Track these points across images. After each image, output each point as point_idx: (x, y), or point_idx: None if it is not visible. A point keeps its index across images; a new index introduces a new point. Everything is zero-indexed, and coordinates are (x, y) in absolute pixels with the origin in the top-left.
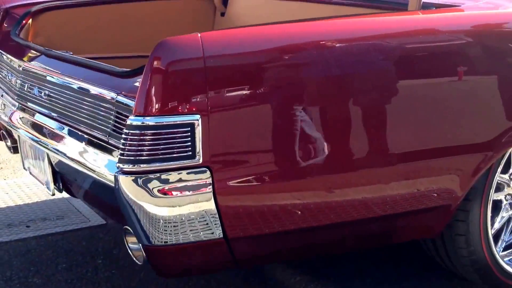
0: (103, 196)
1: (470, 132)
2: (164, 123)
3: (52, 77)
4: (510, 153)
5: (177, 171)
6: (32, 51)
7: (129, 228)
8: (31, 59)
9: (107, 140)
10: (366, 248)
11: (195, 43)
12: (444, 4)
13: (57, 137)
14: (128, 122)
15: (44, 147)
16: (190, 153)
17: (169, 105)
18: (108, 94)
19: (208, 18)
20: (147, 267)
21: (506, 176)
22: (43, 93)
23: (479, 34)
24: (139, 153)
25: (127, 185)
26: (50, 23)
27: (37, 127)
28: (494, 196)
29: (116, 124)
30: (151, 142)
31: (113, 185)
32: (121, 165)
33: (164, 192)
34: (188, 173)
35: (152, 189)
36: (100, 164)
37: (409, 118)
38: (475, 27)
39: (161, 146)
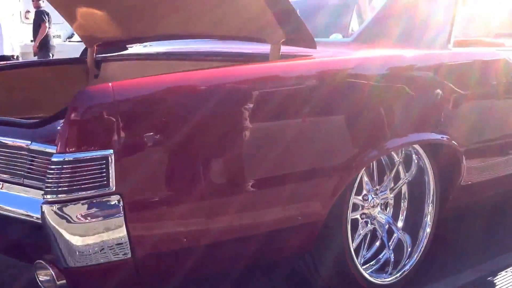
0: (14, 235)
1: (327, 159)
2: (82, 158)
3: None
4: (362, 178)
5: (93, 199)
6: None
7: (42, 262)
8: None
9: (22, 182)
10: (252, 265)
11: (107, 91)
12: (299, 54)
13: None
14: (52, 159)
15: None
16: (105, 182)
17: (86, 143)
18: (22, 143)
19: (82, 80)
20: None
21: (360, 197)
22: None
23: (328, 76)
24: (61, 185)
25: (50, 213)
26: None
27: None
28: (351, 215)
29: (31, 167)
30: (70, 175)
31: (29, 220)
32: (45, 196)
33: (82, 218)
34: (102, 201)
35: (72, 216)
36: (17, 204)
37: (275, 149)
38: (324, 71)
39: (80, 178)
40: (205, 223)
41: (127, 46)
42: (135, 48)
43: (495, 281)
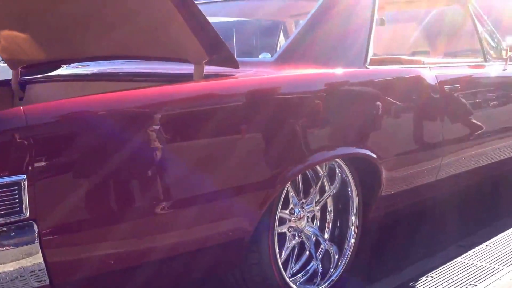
0: None
1: (252, 175)
2: None
3: None
4: (288, 192)
5: (6, 226)
6: None
7: None
8: None
9: None
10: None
11: (18, 115)
12: (222, 74)
13: None
14: None
15: None
16: (18, 209)
17: None
18: None
19: (7, 103)
20: None
21: (287, 211)
22: None
23: (250, 94)
24: None
25: None
26: None
27: None
28: (278, 229)
29: None
30: None
31: None
32: None
33: None
34: (16, 228)
35: None
36: None
37: (200, 167)
38: (247, 90)
39: None
40: (129, 245)
41: (54, 67)
42: (62, 69)
43: (417, 286)
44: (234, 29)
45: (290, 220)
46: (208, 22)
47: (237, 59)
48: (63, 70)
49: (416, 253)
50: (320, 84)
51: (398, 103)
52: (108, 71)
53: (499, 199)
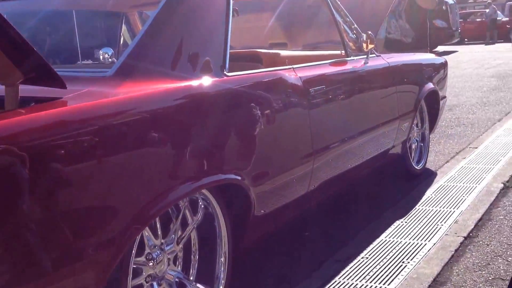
0: None
1: (98, 223)
2: None
3: None
4: (143, 234)
5: None
6: None
7: None
8: None
9: None
10: None
11: None
12: (45, 98)
13: None
14: None
15: None
16: None
17: None
18: None
19: None
20: None
21: (143, 258)
22: None
23: (85, 125)
24: None
25: None
26: None
27: None
28: (133, 282)
29: None
30: None
31: None
32: None
33: None
34: None
35: None
36: None
37: (34, 222)
38: (80, 120)
39: None
40: None
41: None
42: None
43: None
44: (64, 23)
45: (147, 267)
46: (15, 30)
47: (65, 71)
48: None
49: (293, 275)
50: (171, 102)
51: (263, 112)
52: None
53: (367, 202)
